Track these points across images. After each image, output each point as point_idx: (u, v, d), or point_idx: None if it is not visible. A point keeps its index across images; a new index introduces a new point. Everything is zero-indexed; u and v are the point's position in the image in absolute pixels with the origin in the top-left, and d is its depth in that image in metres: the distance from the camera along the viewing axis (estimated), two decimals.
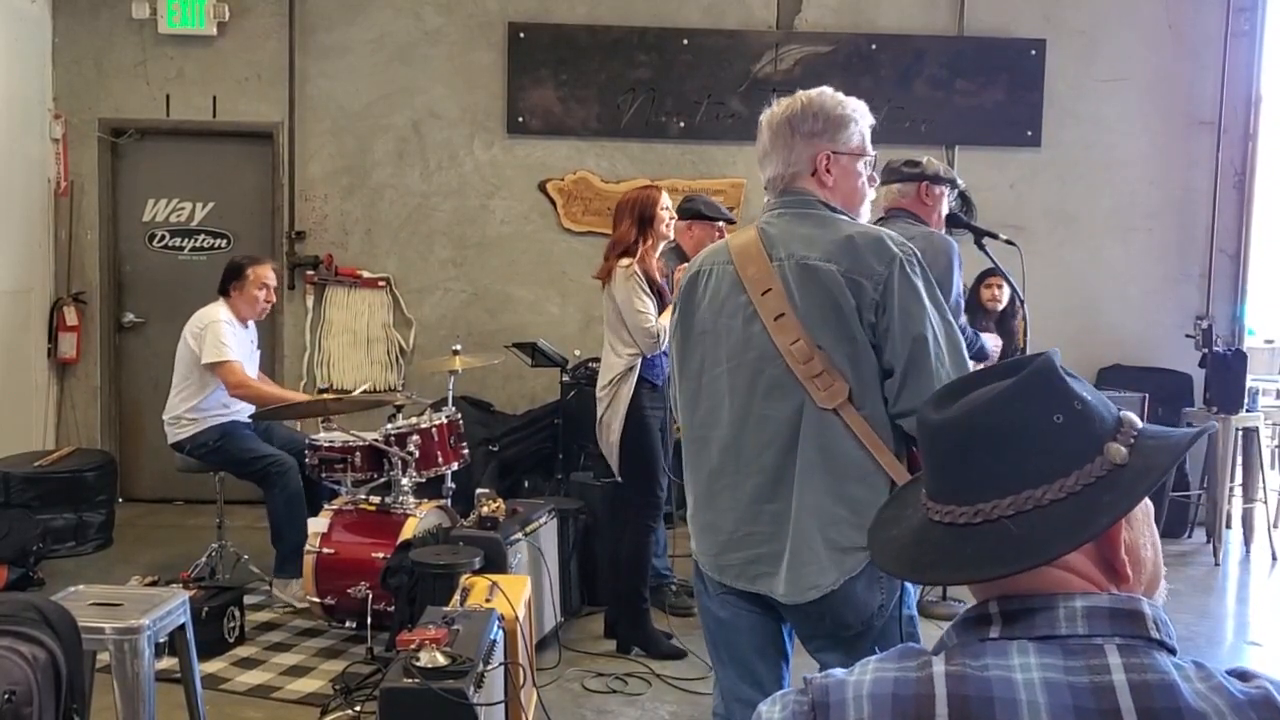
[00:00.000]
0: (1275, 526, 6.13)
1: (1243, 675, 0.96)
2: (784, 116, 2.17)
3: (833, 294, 2.05)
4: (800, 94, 2.19)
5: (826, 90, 2.20)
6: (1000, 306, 5.61)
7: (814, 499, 2.07)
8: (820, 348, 2.05)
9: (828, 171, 2.16)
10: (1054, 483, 0.99)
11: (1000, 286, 5.53)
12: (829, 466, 2.06)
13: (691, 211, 4.60)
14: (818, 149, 2.15)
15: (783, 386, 2.09)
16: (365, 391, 5.68)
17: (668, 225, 4.23)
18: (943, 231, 3.61)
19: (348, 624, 4.23)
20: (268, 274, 4.97)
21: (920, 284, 2.05)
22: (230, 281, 4.94)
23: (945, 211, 3.68)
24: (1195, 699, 0.92)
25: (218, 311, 4.86)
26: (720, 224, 4.67)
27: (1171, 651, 0.98)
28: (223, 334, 4.75)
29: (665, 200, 4.24)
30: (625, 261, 4.11)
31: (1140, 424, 1.04)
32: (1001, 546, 0.99)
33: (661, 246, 4.28)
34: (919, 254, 2.10)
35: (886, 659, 1.02)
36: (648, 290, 4.10)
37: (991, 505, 1.01)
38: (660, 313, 4.09)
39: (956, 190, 3.74)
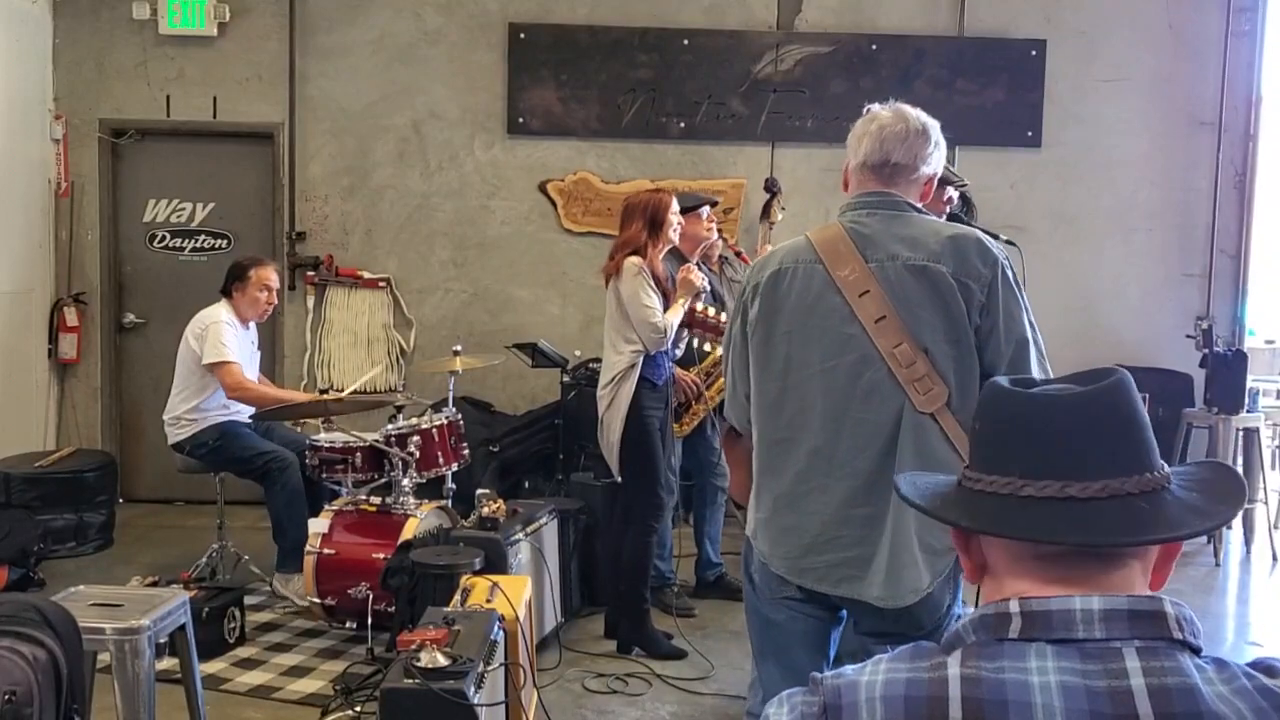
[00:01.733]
0: (1276, 527, 6.13)
1: (1269, 670, 0.96)
2: (930, 121, 2.19)
3: (943, 296, 2.05)
4: (925, 114, 2.22)
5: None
6: None
7: None
8: (925, 351, 2.05)
9: (927, 193, 2.22)
10: (1163, 471, 1.04)
11: None
12: (925, 469, 2.05)
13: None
14: (933, 168, 2.21)
15: (882, 390, 2.07)
16: (367, 385, 5.70)
17: (675, 231, 4.23)
18: None
19: (348, 624, 4.23)
20: (270, 275, 4.97)
21: (1016, 287, 2.09)
22: (233, 282, 4.94)
23: (944, 212, 3.67)
24: (1216, 702, 0.91)
25: (219, 312, 4.86)
26: (703, 209, 4.65)
27: (1196, 651, 0.97)
28: (223, 335, 4.75)
29: (675, 206, 4.24)
30: (634, 260, 4.10)
31: None
32: (1134, 520, 1.01)
33: (664, 250, 4.28)
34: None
35: (897, 658, 1.02)
36: (654, 287, 4.09)
37: (1120, 481, 1.02)
38: (665, 311, 4.08)
39: (958, 191, 3.71)
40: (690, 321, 3.85)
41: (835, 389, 2.11)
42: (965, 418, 2.05)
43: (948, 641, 1.04)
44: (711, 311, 3.79)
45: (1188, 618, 0.98)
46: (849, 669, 1.03)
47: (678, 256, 4.51)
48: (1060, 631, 0.97)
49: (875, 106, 2.23)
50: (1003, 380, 1.12)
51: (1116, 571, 1.02)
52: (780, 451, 2.19)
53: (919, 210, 2.19)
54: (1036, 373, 2.08)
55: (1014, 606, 1.00)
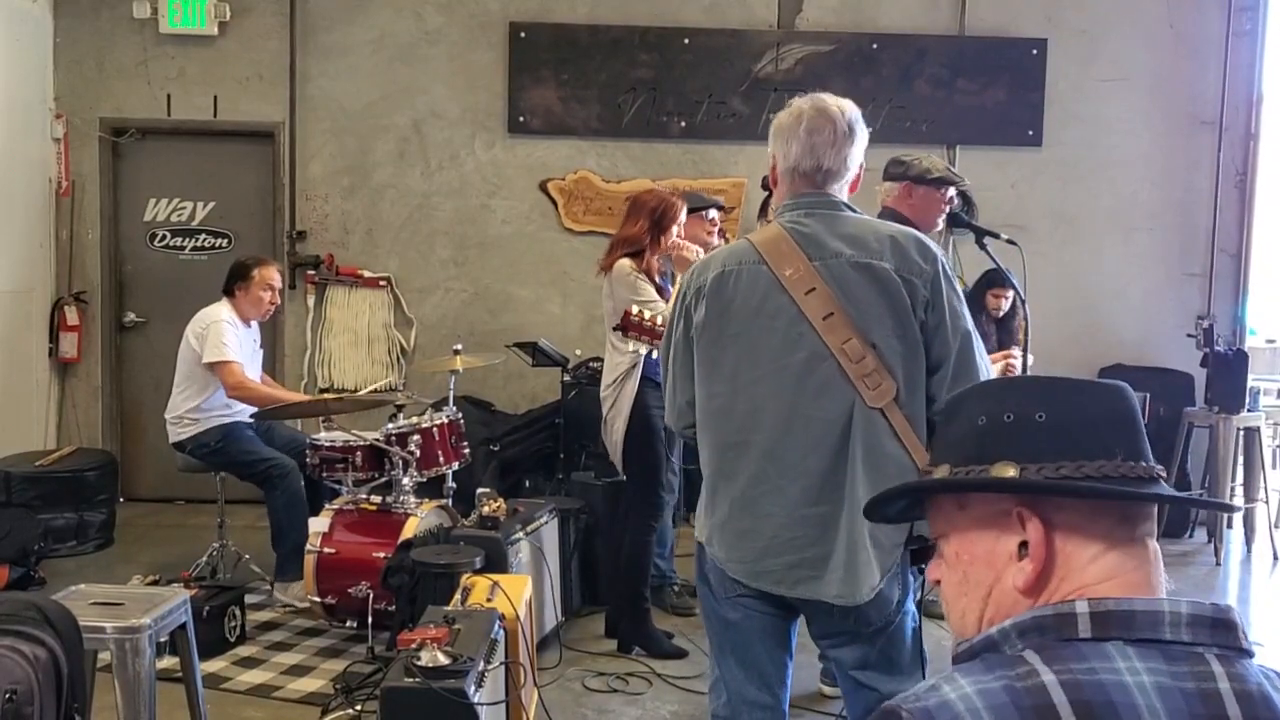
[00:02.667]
0: (1276, 526, 6.12)
1: None
2: (853, 116, 2.20)
3: (888, 292, 2.07)
4: (846, 101, 2.23)
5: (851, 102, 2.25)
6: (1002, 313, 5.59)
7: (864, 499, 2.06)
8: (873, 345, 2.06)
9: (856, 184, 2.24)
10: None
11: (1005, 297, 5.50)
12: (873, 464, 2.06)
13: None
14: (860, 160, 2.22)
15: (833, 386, 2.08)
16: (374, 390, 5.70)
17: (674, 241, 4.19)
18: (935, 231, 3.58)
19: (349, 623, 4.23)
20: (273, 275, 4.97)
21: (955, 282, 2.14)
22: (235, 282, 4.93)
23: (945, 209, 3.63)
24: None
25: (220, 311, 4.86)
26: (711, 211, 4.63)
27: (1252, 656, 0.99)
28: (224, 334, 4.75)
29: (683, 218, 4.21)
30: (626, 262, 4.09)
31: None
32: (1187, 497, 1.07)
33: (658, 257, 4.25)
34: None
35: (973, 670, 0.99)
36: (649, 283, 4.08)
37: (1160, 467, 1.08)
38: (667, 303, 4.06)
39: (950, 188, 3.65)
40: (625, 325, 3.68)
41: (786, 388, 2.12)
42: (912, 413, 2.08)
43: (981, 642, 1.03)
44: (647, 315, 3.60)
45: (1245, 627, 1.01)
46: (924, 691, 0.99)
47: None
48: (1145, 631, 0.97)
49: (797, 101, 2.24)
50: (1026, 375, 1.14)
51: (1159, 557, 1.07)
52: (733, 455, 2.18)
53: (853, 209, 2.21)
54: (981, 363, 2.13)
55: (1082, 606, 0.99)
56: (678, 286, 2.34)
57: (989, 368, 2.17)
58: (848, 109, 2.21)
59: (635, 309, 3.73)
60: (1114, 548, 1.04)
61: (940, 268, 2.11)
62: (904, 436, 2.06)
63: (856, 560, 2.08)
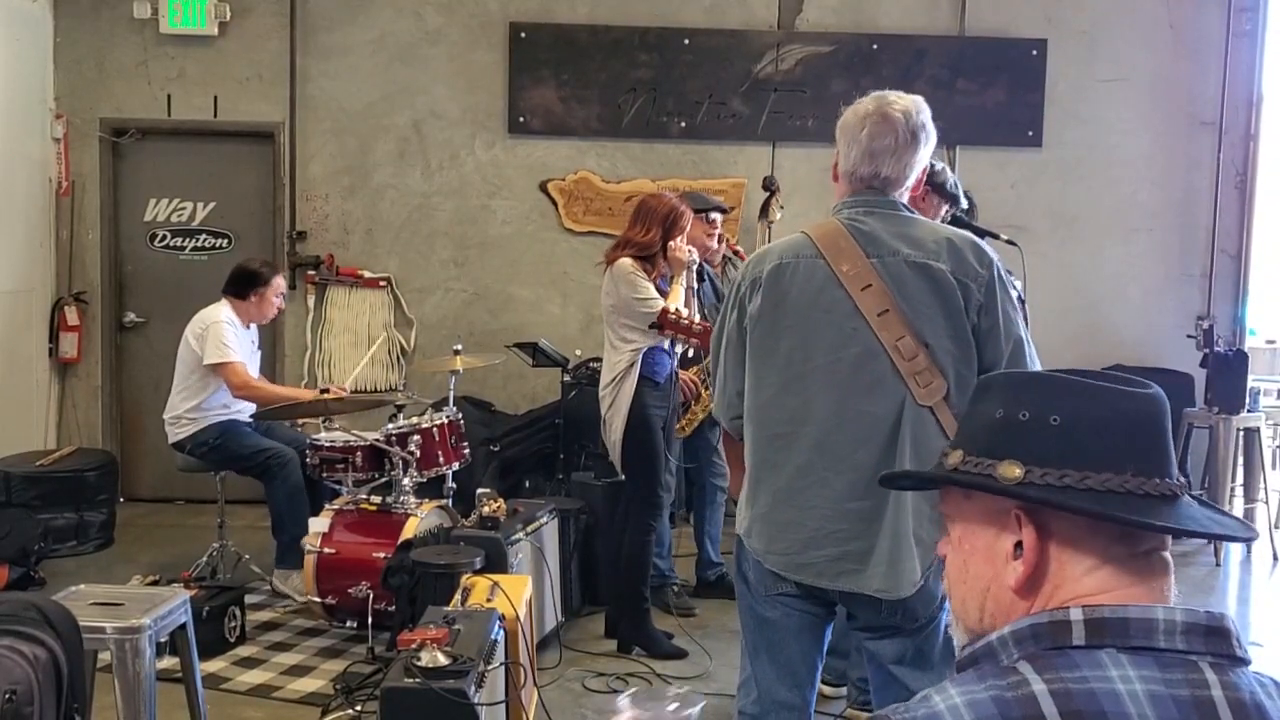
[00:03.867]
0: (1276, 527, 6.12)
1: None
2: (917, 121, 2.18)
3: (944, 292, 2.09)
4: (913, 98, 2.22)
5: (922, 101, 2.24)
6: None
7: (910, 496, 2.08)
8: (926, 344, 2.08)
9: (917, 187, 2.25)
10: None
11: None
12: (921, 461, 2.07)
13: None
14: (924, 164, 2.22)
15: (885, 383, 2.09)
16: (362, 382, 5.71)
17: (672, 243, 4.18)
18: None
19: (349, 624, 4.24)
20: (283, 283, 5.11)
21: (1010, 288, 2.14)
22: (251, 287, 4.94)
23: (944, 214, 3.63)
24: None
25: (219, 312, 4.86)
26: (712, 214, 4.62)
27: (1248, 665, 0.98)
28: (224, 335, 4.75)
29: (687, 223, 4.22)
30: (628, 261, 4.08)
31: None
32: (1204, 519, 1.04)
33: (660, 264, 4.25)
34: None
35: (965, 680, 0.99)
36: (648, 280, 4.08)
37: (1180, 482, 1.05)
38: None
39: (954, 209, 3.64)
40: (664, 323, 3.74)
41: (838, 382, 2.12)
42: (960, 412, 2.07)
43: (982, 648, 1.03)
44: (685, 313, 3.67)
45: (1240, 635, 0.99)
46: (915, 705, 0.99)
47: None
48: (1139, 639, 0.96)
49: (865, 101, 2.23)
50: (1050, 373, 1.10)
51: (1171, 573, 1.05)
52: (780, 446, 2.18)
53: (912, 211, 2.22)
54: (1033, 369, 2.12)
55: (1076, 614, 0.99)
56: (736, 277, 2.33)
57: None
58: (914, 113, 2.19)
59: (673, 308, 3.76)
60: (1111, 563, 1.03)
61: (995, 273, 2.12)
62: (951, 434, 2.06)
63: (900, 555, 2.09)
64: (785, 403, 2.18)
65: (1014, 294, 2.18)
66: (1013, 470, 1.05)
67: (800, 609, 2.21)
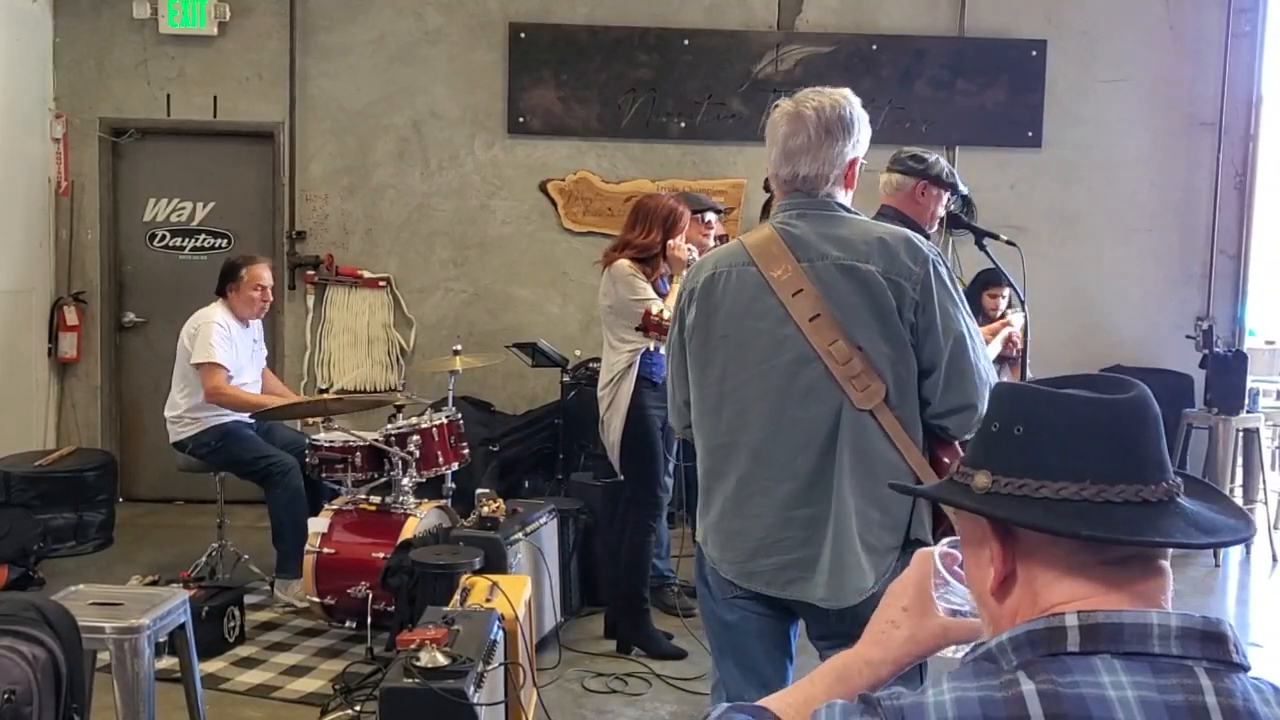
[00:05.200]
0: (1276, 528, 6.13)
1: None
2: (831, 116, 2.12)
3: (874, 294, 2.06)
4: (831, 93, 2.16)
5: (849, 92, 2.19)
6: (999, 313, 5.59)
7: (852, 501, 2.06)
8: (859, 348, 2.05)
9: (854, 177, 2.19)
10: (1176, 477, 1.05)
11: (1001, 296, 5.50)
12: (863, 468, 2.06)
13: None
14: (851, 155, 2.16)
15: (820, 388, 2.07)
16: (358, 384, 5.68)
17: (671, 243, 4.19)
18: (931, 231, 3.59)
19: (348, 624, 4.23)
20: (262, 274, 4.96)
21: (950, 283, 2.10)
22: (226, 282, 4.94)
23: (942, 214, 3.65)
24: None
25: (213, 313, 4.86)
26: (709, 214, 4.63)
27: (1246, 670, 0.98)
28: (212, 336, 4.75)
29: (686, 224, 4.22)
30: (626, 262, 4.09)
31: None
32: (1192, 524, 1.02)
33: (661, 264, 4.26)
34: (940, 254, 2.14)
35: (960, 677, 0.99)
36: (645, 283, 4.08)
37: (1170, 485, 1.03)
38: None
39: (957, 196, 3.68)
40: (647, 325, 3.80)
41: (773, 389, 2.11)
42: (903, 414, 2.07)
43: (981, 653, 1.02)
44: (667, 315, 3.71)
45: (1238, 640, 0.99)
46: (903, 690, 1.01)
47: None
48: (1133, 645, 0.96)
49: (784, 102, 2.19)
50: (1033, 383, 1.10)
51: (1163, 578, 1.03)
52: (723, 456, 2.19)
53: (848, 210, 2.18)
54: (979, 364, 2.10)
55: (1071, 620, 0.99)
56: (681, 288, 2.33)
57: (988, 369, 2.14)
58: (828, 108, 2.13)
59: (655, 308, 3.78)
60: (1076, 571, 1.02)
61: (931, 269, 2.08)
62: (896, 438, 2.05)
63: (844, 563, 2.07)
64: (724, 412, 2.17)
65: (955, 289, 2.13)
66: (983, 480, 1.06)
67: (758, 612, 2.20)
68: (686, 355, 2.26)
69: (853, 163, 2.18)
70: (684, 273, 4.12)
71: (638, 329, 3.93)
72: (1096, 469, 1.02)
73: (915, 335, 2.07)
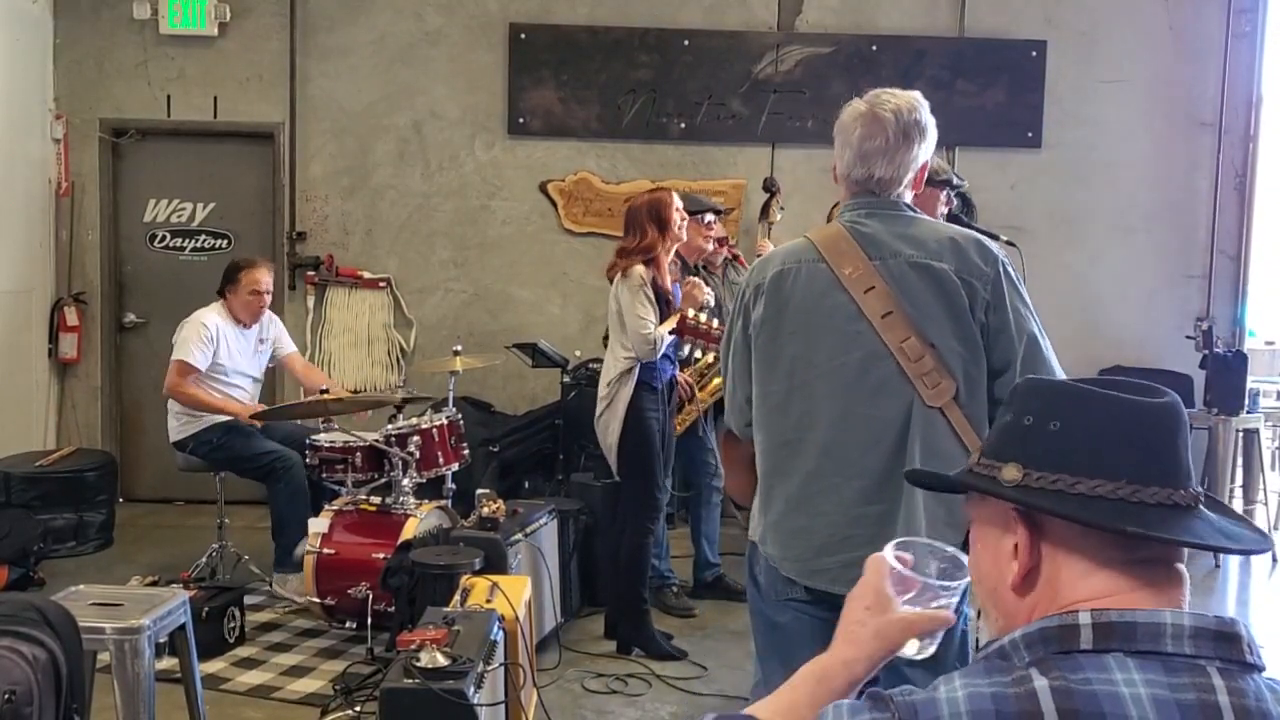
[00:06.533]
0: (1276, 528, 6.13)
1: None
2: (909, 120, 2.15)
3: (947, 292, 2.06)
4: (905, 95, 2.19)
5: (919, 95, 2.22)
6: None
7: (921, 499, 2.06)
8: (931, 345, 2.05)
9: (922, 180, 2.21)
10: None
11: None
12: (932, 465, 2.04)
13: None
14: (924, 159, 2.19)
15: (891, 385, 2.07)
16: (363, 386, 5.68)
17: (680, 227, 4.20)
18: None
19: (348, 624, 4.23)
20: (259, 278, 4.96)
21: (1019, 284, 2.11)
22: (225, 284, 4.97)
23: (943, 212, 3.65)
24: None
25: (205, 314, 4.89)
26: (708, 216, 4.63)
27: (1261, 671, 0.98)
28: (193, 335, 4.78)
29: (677, 201, 4.21)
30: (640, 270, 4.09)
31: None
32: (1218, 531, 1.03)
33: (673, 250, 4.26)
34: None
35: (972, 673, 1.00)
36: (652, 299, 4.07)
37: (1194, 493, 1.04)
38: (661, 322, 4.05)
39: (956, 192, 3.68)
40: (682, 329, 3.81)
41: (843, 386, 2.10)
42: (972, 412, 2.06)
43: (993, 651, 1.03)
44: (703, 318, 3.75)
45: (1253, 640, 0.99)
46: (914, 687, 1.01)
47: (682, 265, 4.51)
48: (1146, 643, 0.97)
49: (858, 102, 2.21)
50: (1068, 380, 1.11)
51: (1182, 580, 1.04)
52: (789, 453, 2.17)
53: (915, 211, 2.20)
54: (1054, 367, 2.11)
55: (1085, 618, 0.99)
56: (744, 284, 2.32)
57: (1058, 370, 2.14)
58: (905, 111, 2.16)
59: (691, 313, 3.80)
60: (1105, 568, 1.03)
61: (1001, 269, 2.09)
62: (964, 436, 2.04)
63: None
64: (791, 409, 2.16)
65: (1024, 290, 2.14)
66: (1013, 473, 1.07)
67: (811, 613, 2.18)
68: (751, 351, 2.24)
69: (924, 166, 2.20)
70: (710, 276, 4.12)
71: (672, 333, 3.96)
72: (1132, 469, 1.02)
73: (986, 335, 2.08)
